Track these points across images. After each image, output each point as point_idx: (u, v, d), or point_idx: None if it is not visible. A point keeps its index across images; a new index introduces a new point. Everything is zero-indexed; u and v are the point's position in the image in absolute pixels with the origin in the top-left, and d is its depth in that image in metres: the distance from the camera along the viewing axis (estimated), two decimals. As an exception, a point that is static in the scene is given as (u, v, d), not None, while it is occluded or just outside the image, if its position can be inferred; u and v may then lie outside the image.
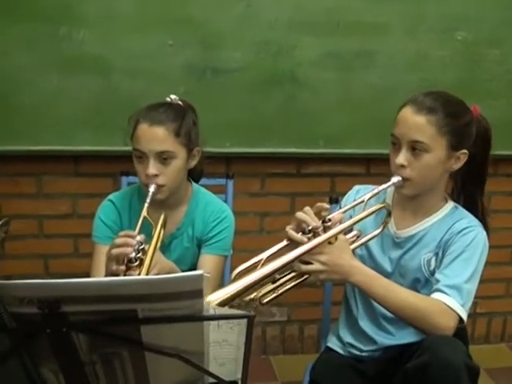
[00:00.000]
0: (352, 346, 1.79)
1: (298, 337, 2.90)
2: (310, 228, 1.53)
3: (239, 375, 1.04)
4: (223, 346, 0.97)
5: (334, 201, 1.98)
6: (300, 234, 1.54)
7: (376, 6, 2.57)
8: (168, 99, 1.91)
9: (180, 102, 1.91)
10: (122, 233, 1.63)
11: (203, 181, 2.35)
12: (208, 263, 1.85)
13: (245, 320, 0.89)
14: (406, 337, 1.71)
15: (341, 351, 1.82)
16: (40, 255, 2.63)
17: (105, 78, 2.49)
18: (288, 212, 2.72)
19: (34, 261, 2.63)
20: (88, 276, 1.84)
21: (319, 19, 2.55)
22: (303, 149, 2.67)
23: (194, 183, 1.97)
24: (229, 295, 1.39)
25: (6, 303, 0.83)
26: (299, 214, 1.55)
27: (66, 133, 2.50)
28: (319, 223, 1.53)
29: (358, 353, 1.78)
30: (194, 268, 1.91)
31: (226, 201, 2.33)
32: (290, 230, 1.54)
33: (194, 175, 1.99)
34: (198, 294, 0.84)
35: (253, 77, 2.56)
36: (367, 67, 2.62)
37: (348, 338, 1.81)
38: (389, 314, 1.67)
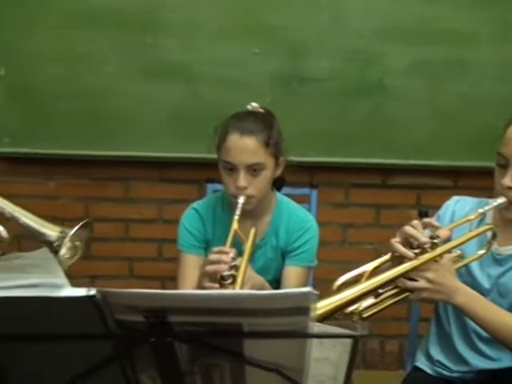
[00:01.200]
0: (442, 364, 1.72)
1: (378, 352, 2.84)
2: (417, 243, 1.47)
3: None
4: (324, 363, 0.95)
5: (424, 214, 1.92)
6: (408, 249, 1.48)
7: (465, 13, 2.50)
8: (249, 107, 1.87)
9: (262, 110, 1.87)
10: (216, 249, 1.61)
11: (286, 190, 2.33)
12: (293, 275, 1.82)
13: (349, 339, 0.86)
14: (504, 361, 1.63)
15: (429, 371, 1.75)
16: (125, 258, 2.69)
17: (190, 85, 2.53)
18: (372, 224, 2.66)
19: (119, 263, 2.69)
20: (172, 280, 1.85)
21: (407, 27, 2.50)
22: (389, 159, 2.61)
23: (277, 192, 1.95)
24: (332, 306, 1.37)
25: (114, 310, 0.83)
26: (408, 229, 1.49)
27: (152, 139, 2.55)
28: (428, 239, 1.48)
29: (447, 373, 1.71)
30: (277, 279, 1.88)
31: (309, 211, 2.31)
32: (397, 244, 1.48)
33: (276, 184, 1.95)
34: (305, 311, 0.82)
35: (339, 86, 2.54)
36: (456, 76, 2.55)
37: (438, 355, 1.74)
38: (484, 334, 1.60)
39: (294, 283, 1.80)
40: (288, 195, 2.32)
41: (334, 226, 2.70)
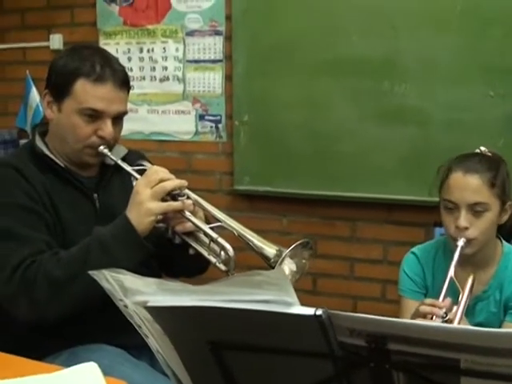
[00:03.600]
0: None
1: None
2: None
3: None
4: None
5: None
6: None
7: None
8: (478, 150, 1.82)
9: (489, 153, 1.81)
10: (428, 301, 1.60)
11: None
12: None
13: None
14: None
15: None
16: (349, 295, 2.76)
17: (422, 129, 2.56)
18: None
19: (343, 300, 2.77)
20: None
21: None
22: None
23: (504, 243, 1.82)
24: None
25: (337, 332, 0.90)
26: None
27: (380, 181, 2.61)
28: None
29: None
30: None
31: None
32: None
33: (503, 232, 1.83)
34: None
35: None
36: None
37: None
38: None
39: None
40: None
41: None
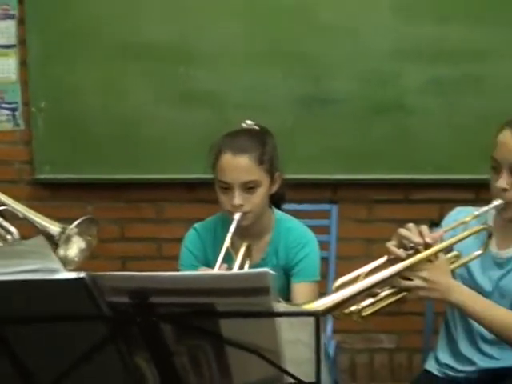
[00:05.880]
0: (449, 366, 1.77)
1: (406, 366, 2.86)
2: (411, 245, 1.55)
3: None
4: (298, 345, 1.03)
5: (435, 225, 1.98)
6: (401, 250, 1.56)
7: (479, 31, 2.58)
8: (244, 125, 1.90)
9: (256, 127, 1.89)
10: (201, 269, 1.67)
11: (307, 206, 2.44)
12: (300, 292, 1.80)
13: (312, 318, 0.95)
14: (507, 360, 1.67)
15: (437, 373, 1.80)
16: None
17: (218, 111, 2.68)
18: (395, 238, 2.72)
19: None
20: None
21: (423, 46, 2.59)
22: (411, 175, 2.69)
23: (276, 210, 1.93)
24: (331, 304, 1.45)
25: (104, 293, 0.96)
26: (402, 231, 1.57)
27: (181, 162, 2.70)
28: (421, 240, 1.55)
29: (453, 374, 1.76)
30: (283, 298, 1.88)
31: (330, 226, 2.40)
32: (392, 246, 1.57)
33: (275, 201, 1.94)
34: (266, 291, 0.92)
35: (359, 106, 2.64)
36: (474, 92, 2.61)
37: (446, 359, 1.79)
38: (489, 336, 1.66)
39: (303, 299, 1.74)
40: (309, 212, 2.42)
41: (358, 242, 2.77)
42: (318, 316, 0.94)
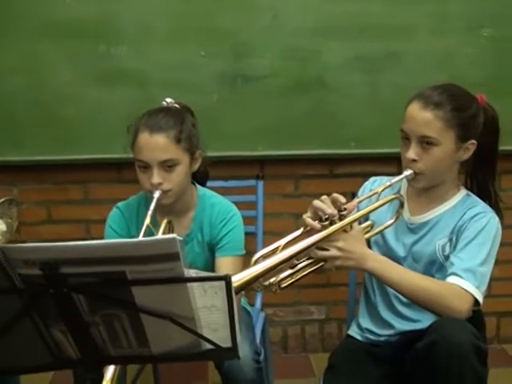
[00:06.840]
0: (370, 331, 1.85)
1: (336, 335, 2.96)
2: (326, 216, 1.59)
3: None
4: (213, 311, 1.06)
5: (356, 197, 2.04)
6: (317, 221, 1.60)
7: (399, 8, 2.64)
8: (164, 103, 1.90)
9: (177, 105, 1.90)
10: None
11: (234, 183, 2.47)
12: (225, 266, 1.83)
13: (223, 283, 0.98)
14: (424, 321, 1.74)
15: (359, 337, 1.88)
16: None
17: (142, 89, 2.65)
18: (321, 212, 2.79)
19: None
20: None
21: (343, 24, 2.63)
22: (335, 150, 2.75)
23: (199, 187, 1.95)
24: (248, 277, 1.47)
25: (14, 265, 0.96)
26: (316, 202, 1.61)
27: (107, 142, 2.67)
28: (335, 211, 1.59)
29: (374, 338, 1.84)
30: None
31: (256, 202, 2.44)
32: (307, 218, 1.61)
33: (198, 178, 1.97)
34: (175, 257, 0.94)
35: (282, 82, 2.67)
36: (394, 68, 2.68)
37: (367, 324, 1.87)
38: (404, 300, 1.73)
39: (227, 273, 1.77)
40: (236, 188, 2.46)
41: (285, 217, 2.83)
42: (228, 280, 0.97)
